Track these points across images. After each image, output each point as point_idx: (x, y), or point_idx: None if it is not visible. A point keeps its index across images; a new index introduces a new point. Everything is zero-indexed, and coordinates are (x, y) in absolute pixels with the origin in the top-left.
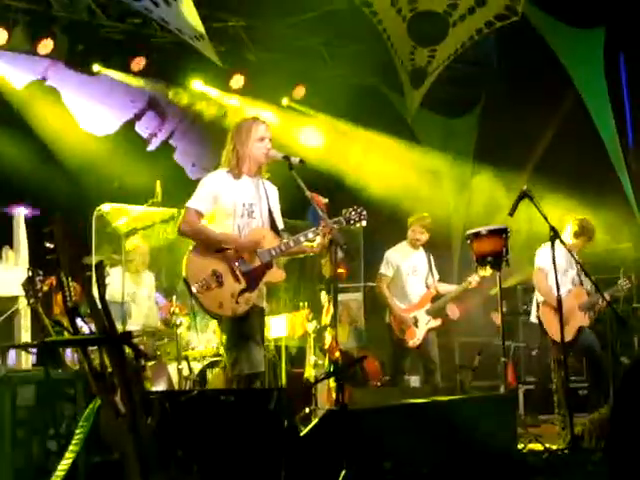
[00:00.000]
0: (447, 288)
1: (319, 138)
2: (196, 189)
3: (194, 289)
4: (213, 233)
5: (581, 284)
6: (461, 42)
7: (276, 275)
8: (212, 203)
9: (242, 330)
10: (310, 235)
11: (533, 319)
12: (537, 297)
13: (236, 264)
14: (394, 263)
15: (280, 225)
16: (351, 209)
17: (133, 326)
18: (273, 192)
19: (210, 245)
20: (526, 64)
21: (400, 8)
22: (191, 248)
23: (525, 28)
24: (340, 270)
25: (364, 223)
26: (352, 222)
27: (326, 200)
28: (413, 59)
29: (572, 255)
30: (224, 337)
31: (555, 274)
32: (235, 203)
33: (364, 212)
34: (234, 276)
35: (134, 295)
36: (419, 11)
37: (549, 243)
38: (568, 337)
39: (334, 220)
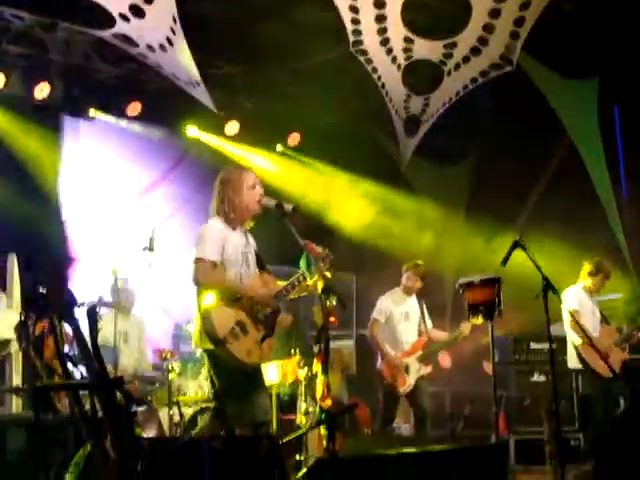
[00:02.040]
0: (439, 336)
1: (317, 187)
2: (200, 240)
3: (225, 338)
4: (236, 283)
5: (607, 322)
6: (456, 91)
7: (286, 319)
8: (220, 253)
9: (256, 379)
10: (301, 278)
11: (572, 365)
12: (573, 341)
13: (253, 312)
14: (387, 309)
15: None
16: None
17: (124, 370)
18: (252, 238)
19: (231, 295)
20: (521, 113)
21: (395, 56)
22: (210, 301)
23: (520, 78)
24: (332, 318)
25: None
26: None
27: (320, 249)
28: (407, 107)
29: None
30: (233, 389)
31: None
32: (236, 253)
33: (330, 257)
34: (255, 324)
35: (125, 337)
36: (414, 59)
37: (574, 286)
38: (617, 370)
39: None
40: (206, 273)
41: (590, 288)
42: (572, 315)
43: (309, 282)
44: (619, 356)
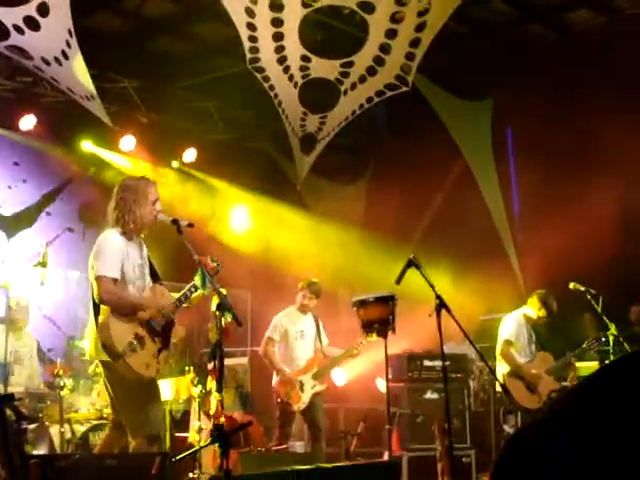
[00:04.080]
0: (334, 353)
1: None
2: (100, 255)
3: (124, 352)
4: (136, 298)
5: (543, 348)
6: (352, 110)
7: (179, 332)
8: (120, 269)
9: (152, 391)
10: (193, 289)
11: (498, 388)
12: (500, 367)
13: (150, 325)
14: (282, 327)
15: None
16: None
17: (15, 387)
18: (146, 248)
19: (132, 310)
20: (415, 133)
21: (292, 75)
22: (107, 314)
23: (415, 98)
24: (226, 334)
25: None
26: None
27: (214, 264)
28: (304, 125)
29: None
30: (129, 400)
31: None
32: (134, 265)
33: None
34: (151, 337)
35: (17, 354)
36: (311, 78)
37: (515, 312)
38: (537, 404)
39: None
40: (109, 290)
41: (530, 318)
42: (504, 344)
43: (201, 293)
44: (549, 385)
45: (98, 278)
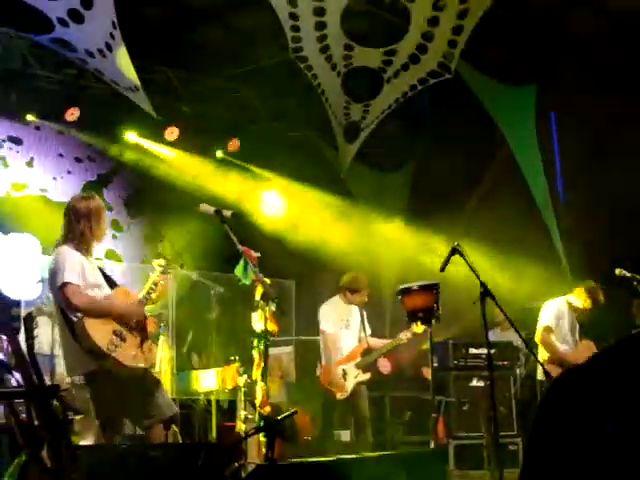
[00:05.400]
0: (378, 343)
1: (257, 193)
2: (59, 266)
3: (109, 349)
4: (108, 301)
5: (586, 337)
6: (395, 98)
7: (153, 325)
8: (82, 278)
9: (148, 379)
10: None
11: (540, 377)
12: (542, 354)
13: (124, 321)
14: (328, 317)
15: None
16: None
17: (61, 377)
18: (95, 261)
19: (102, 313)
20: (459, 120)
21: (335, 64)
22: (80, 317)
23: (458, 85)
24: (272, 325)
25: None
26: None
27: (258, 254)
28: (347, 114)
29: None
30: (129, 395)
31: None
32: (93, 275)
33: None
34: (129, 331)
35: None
36: (354, 67)
37: (557, 299)
38: None
39: None
40: (75, 296)
41: (574, 307)
42: (543, 330)
43: (160, 280)
44: None
45: (63, 285)
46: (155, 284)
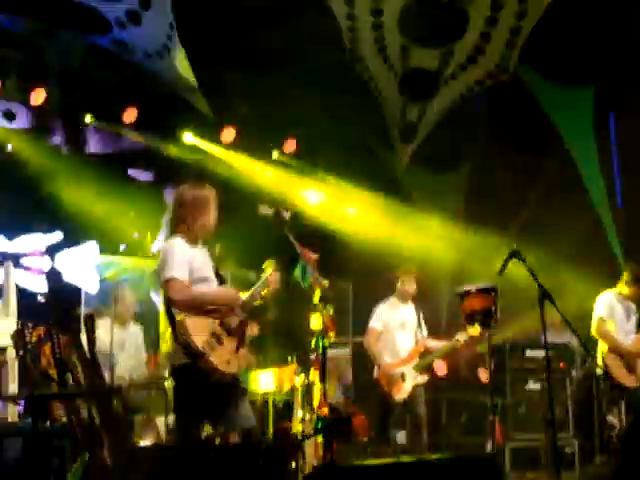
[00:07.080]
0: (435, 345)
1: (313, 194)
2: (166, 261)
3: (204, 350)
4: (209, 296)
5: None
6: (452, 99)
7: (253, 329)
8: (189, 273)
9: (237, 387)
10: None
11: (599, 371)
12: (600, 345)
13: (225, 323)
14: (384, 317)
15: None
16: None
17: (120, 377)
18: (208, 253)
19: (204, 308)
20: (516, 121)
21: (392, 64)
22: (183, 315)
23: (516, 86)
24: (330, 328)
25: None
26: None
27: (316, 256)
28: (404, 115)
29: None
30: (215, 399)
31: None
32: (202, 269)
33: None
34: (228, 334)
35: (122, 344)
36: (411, 68)
37: (608, 292)
38: (636, 383)
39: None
40: (178, 291)
41: (626, 295)
42: (598, 322)
43: (266, 291)
44: None
45: (167, 281)
46: (259, 291)
